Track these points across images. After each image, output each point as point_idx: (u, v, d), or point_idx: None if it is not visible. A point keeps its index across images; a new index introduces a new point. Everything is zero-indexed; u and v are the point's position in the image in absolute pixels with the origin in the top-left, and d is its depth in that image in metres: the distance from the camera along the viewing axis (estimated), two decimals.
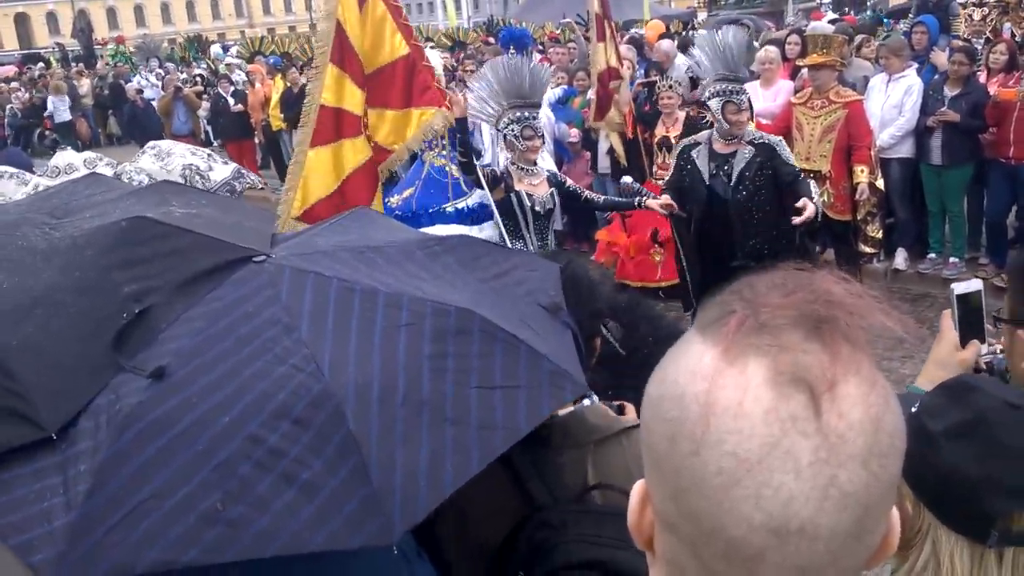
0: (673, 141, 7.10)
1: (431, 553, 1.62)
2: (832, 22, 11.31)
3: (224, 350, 1.34)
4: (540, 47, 12.80)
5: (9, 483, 1.28)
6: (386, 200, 8.90)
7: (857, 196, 6.09)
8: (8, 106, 19.32)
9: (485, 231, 8.40)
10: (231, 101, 12.91)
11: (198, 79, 16.32)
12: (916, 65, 7.10)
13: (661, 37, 10.94)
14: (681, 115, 7.19)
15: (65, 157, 4.06)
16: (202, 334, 1.37)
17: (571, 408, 1.76)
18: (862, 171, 6.11)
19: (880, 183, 6.44)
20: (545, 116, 7.96)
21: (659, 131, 7.35)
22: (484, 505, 1.65)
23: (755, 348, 0.62)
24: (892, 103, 6.90)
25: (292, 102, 11.60)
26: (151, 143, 2.54)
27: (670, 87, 7.23)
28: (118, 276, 1.51)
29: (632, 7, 20.32)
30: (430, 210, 8.49)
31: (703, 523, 0.62)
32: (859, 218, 6.39)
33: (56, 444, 1.30)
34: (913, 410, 1.07)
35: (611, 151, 7.96)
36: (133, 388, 1.32)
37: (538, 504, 1.59)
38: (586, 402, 1.79)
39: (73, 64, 23.94)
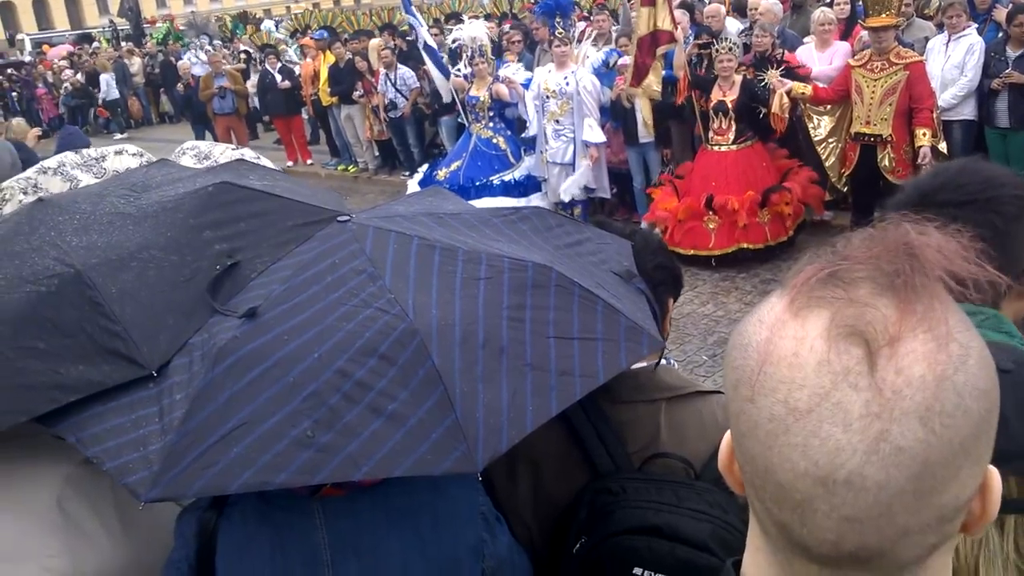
0: (729, 105, 7.04)
1: (505, 517, 1.66)
2: None
3: (312, 295, 1.39)
4: (586, 14, 12.66)
5: (104, 415, 1.35)
6: (434, 173, 9.01)
7: (919, 160, 5.98)
8: (63, 85, 19.71)
9: (533, 202, 8.45)
10: (278, 77, 13.02)
11: (242, 56, 16.47)
12: (977, 24, 6.90)
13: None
14: (738, 79, 7.07)
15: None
16: (290, 281, 1.42)
17: (644, 364, 1.78)
18: (924, 134, 6.01)
19: (943, 146, 6.29)
20: (591, 82, 7.89)
21: (715, 95, 7.23)
22: (557, 463, 1.69)
23: (820, 300, 0.63)
24: (953, 63, 6.75)
25: (340, 77, 11.69)
26: (190, 143, 2.58)
27: (729, 49, 7.09)
28: (209, 235, 1.59)
29: None
30: (477, 183, 8.55)
31: (758, 467, 0.65)
32: None
33: (154, 380, 1.38)
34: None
35: None
36: (226, 326, 1.38)
37: (600, 469, 1.62)
38: (663, 362, 1.81)
39: (124, 43, 24.30)
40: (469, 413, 1.27)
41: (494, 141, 8.84)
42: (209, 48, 16.64)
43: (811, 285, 0.64)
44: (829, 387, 0.60)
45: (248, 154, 2.51)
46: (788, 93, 6.75)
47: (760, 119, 7.12)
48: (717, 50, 7.16)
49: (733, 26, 9.38)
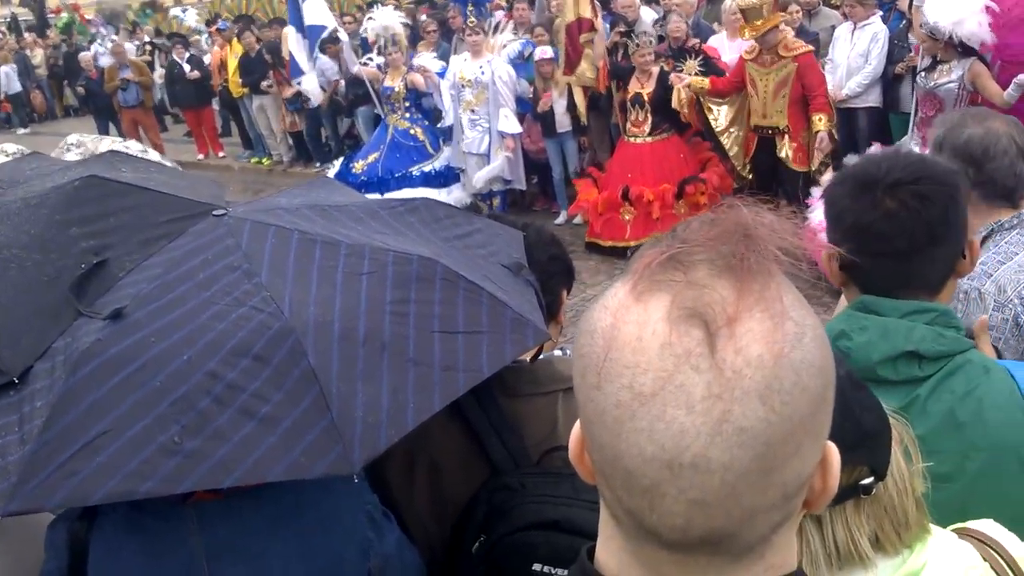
0: (646, 97, 7.11)
1: (401, 517, 1.63)
2: None
3: (182, 293, 1.33)
4: (506, 3, 12.63)
5: None
6: (350, 166, 8.90)
7: (816, 144, 6.13)
8: None
9: (453, 193, 8.46)
10: (187, 68, 12.65)
11: (147, 47, 15.95)
12: (881, 13, 7.09)
13: None
14: (656, 71, 7.13)
15: None
16: (160, 279, 1.37)
17: (540, 356, 1.77)
18: (820, 119, 6.19)
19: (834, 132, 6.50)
20: (506, 71, 7.88)
21: (633, 87, 7.28)
22: (456, 461, 1.67)
23: (661, 284, 0.63)
24: (858, 51, 6.92)
25: (251, 67, 11.41)
26: (74, 137, 2.45)
27: (650, 42, 7.16)
28: (75, 232, 1.51)
29: None
30: (396, 174, 8.48)
31: (606, 454, 0.64)
32: (814, 168, 6.42)
33: (15, 387, 1.31)
34: None
35: (571, 108, 7.85)
36: (90, 329, 1.31)
37: (498, 465, 1.61)
38: (557, 352, 1.80)
39: (26, 34, 23.29)
40: (346, 413, 1.23)
41: (411, 132, 8.77)
42: (115, 38, 16.07)
43: (652, 269, 0.64)
44: (672, 370, 0.60)
45: (134, 147, 2.40)
46: (688, 87, 6.85)
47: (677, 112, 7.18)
48: (637, 43, 7.19)
49: (648, 15, 9.48)
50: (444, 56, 9.35)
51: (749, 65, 6.61)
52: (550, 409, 1.70)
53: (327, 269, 1.40)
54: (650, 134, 7.28)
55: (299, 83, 9.82)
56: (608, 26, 8.89)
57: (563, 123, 7.95)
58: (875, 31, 6.87)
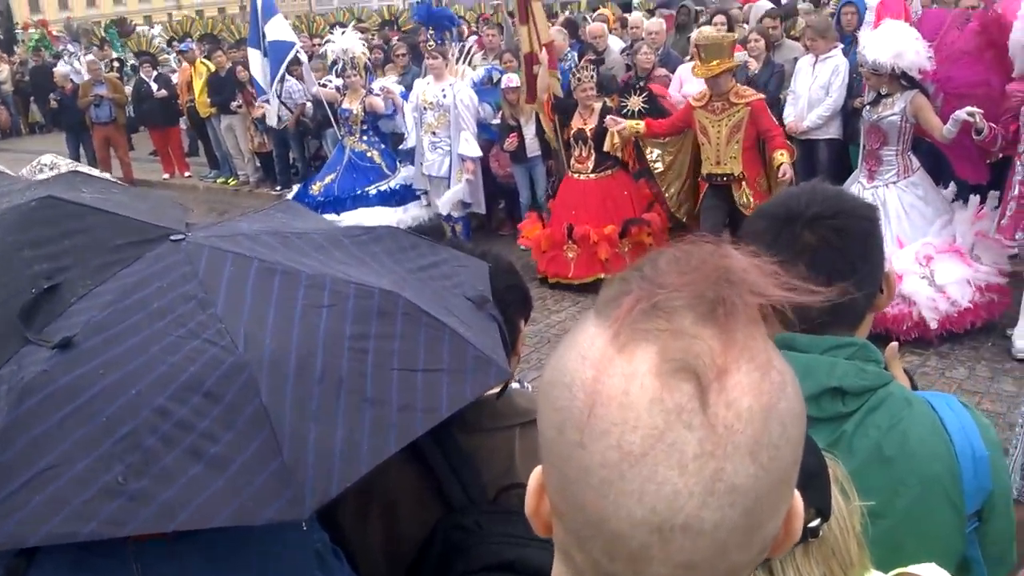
0: (588, 133, 6.96)
1: (353, 557, 1.60)
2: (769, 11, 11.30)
3: (135, 323, 1.29)
4: (474, 29, 12.73)
5: None
6: (308, 189, 8.88)
7: (780, 176, 6.02)
8: None
9: (411, 211, 8.45)
10: (154, 86, 12.55)
11: (114, 64, 15.82)
12: (842, 46, 7.23)
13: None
14: (598, 106, 6.99)
15: None
16: (112, 307, 1.32)
17: (494, 391, 1.76)
18: (782, 155, 6.10)
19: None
20: (468, 95, 7.91)
21: (575, 123, 7.10)
22: (411, 500, 1.65)
23: (645, 333, 0.59)
24: (819, 84, 7.06)
25: (220, 86, 11.35)
26: (48, 158, 2.41)
27: (591, 76, 6.96)
28: (27, 254, 1.46)
29: None
30: (353, 194, 8.48)
31: (588, 516, 0.60)
32: None
33: None
34: None
35: (540, 133, 7.87)
36: (37, 358, 1.27)
37: (453, 504, 1.59)
38: (515, 384, 1.79)
39: None
40: (298, 455, 1.20)
41: (368, 154, 8.79)
42: (89, 56, 15.90)
43: (633, 317, 0.60)
44: (663, 427, 0.57)
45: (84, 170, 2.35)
46: (621, 132, 6.68)
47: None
48: (578, 77, 7.03)
49: (616, 45, 9.60)
50: (415, 79, 9.39)
51: (699, 112, 6.43)
52: (508, 444, 1.68)
53: (286, 301, 1.37)
54: (594, 171, 7.12)
55: (266, 101, 9.79)
56: (576, 55, 9.00)
57: (532, 148, 7.98)
58: (836, 64, 7.01)
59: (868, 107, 5.95)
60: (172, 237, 1.48)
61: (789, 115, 7.24)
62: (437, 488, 1.62)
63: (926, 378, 5.20)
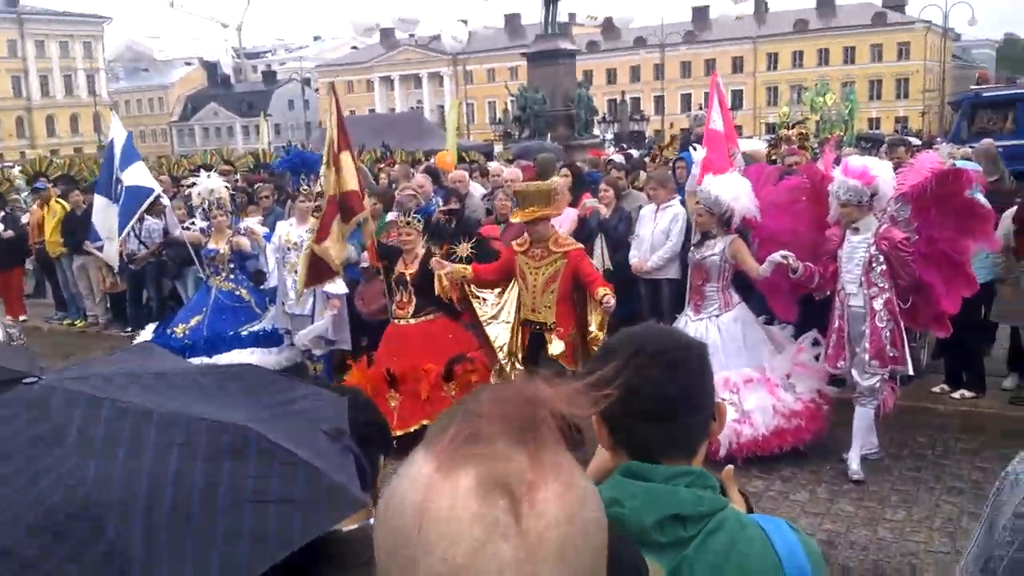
0: (408, 279, 6.85)
1: None
2: (611, 162, 12.04)
3: None
4: None
5: None
6: (169, 331, 8.64)
7: (603, 304, 5.99)
8: None
9: (284, 352, 8.33)
10: (0, 227, 12.09)
11: None
12: (680, 197, 7.88)
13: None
14: (421, 252, 6.92)
15: None
16: None
17: (356, 525, 1.79)
18: (604, 291, 6.07)
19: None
20: None
21: (398, 267, 6.98)
22: None
23: (466, 458, 0.68)
24: (660, 229, 7.65)
25: (75, 225, 11.06)
26: None
27: (408, 223, 6.91)
28: None
29: (432, 137, 21.11)
30: (225, 335, 8.29)
31: None
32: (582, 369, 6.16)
33: None
34: None
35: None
36: None
37: None
38: (373, 521, 1.81)
39: None
40: None
41: (237, 293, 8.68)
42: None
43: (455, 445, 0.70)
44: (484, 539, 0.65)
45: None
46: (448, 275, 6.54)
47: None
48: (399, 223, 6.98)
49: (478, 191, 10.07)
50: (277, 219, 9.46)
51: (520, 258, 6.41)
52: None
53: (137, 440, 1.39)
54: (414, 315, 6.94)
55: (100, 247, 9.61)
56: (440, 200, 9.35)
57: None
58: (675, 212, 7.66)
59: (693, 248, 6.55)
60: (25, 380, 1.50)
61: (634, 256, 7.80)
62: None
63: (772, 501, 5.47)
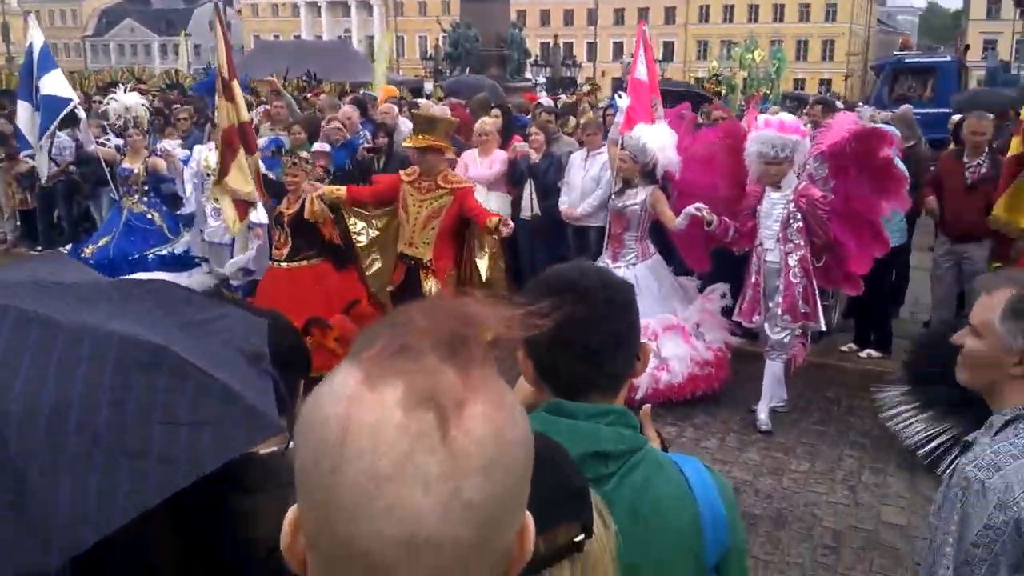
0: (285, 219, 6.52)
1: None
2: (539, 105, 11.89)
3: None
4: (263, 99, 12.60)
5: None
6: (79, 251, 8.32)
7: (503, 228, 5.82)
8: None
9: (195, 276, 8.09)
10: None
11: None
12: None
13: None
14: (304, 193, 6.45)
15: None
16: None
17: (275, 448, 1.75)
18: (497, 219, 5.88)
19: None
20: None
21: (282, 206, 6.61)
22: (183, 561, 1.59)
23: (394, 371, 0.67)
24: (591, 176, 7.61)
25: None
26: None
27: (294, 164, 6.54)
28: None
29: (360, 69, 20.61)
30: (131, 257, 8.03)
31: (339, 540, 0.65)
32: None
33: None
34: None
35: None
36: None
37: (225, 563, 1.56)
38: (292, 444, 1.78)
39: None
40: (45, 510, 1.15)
41: (148, 216, 8.39)
42: None
43: (383, 358, 0.67)
44: (409, 451, 0.63)
45: None
46: (321, 197, 6.22)
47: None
48: (293, 161, 6.59)
49: (407, 126, 9.86)
50: (196, 143, 9.12)
51: (405, 187, 6.15)
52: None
53: (41, 352, 1.31)
54: (288, 259, 6.53)
55: (31, 156, 9.12)
56: (369, 133, 9.14)
57: None
58: (606, 160, 7.56)
59: (614, 196, 6.61)
60: None
61: (564, 203, 7.76)
62: (208, 549, 1.58)
63: (684, 448, 5.60)
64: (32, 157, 9.12)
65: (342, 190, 6.30)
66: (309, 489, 0.68)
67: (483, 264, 6.11)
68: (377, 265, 6.44)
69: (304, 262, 6.54)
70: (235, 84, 6.69)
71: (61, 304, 1.46)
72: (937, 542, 1.92)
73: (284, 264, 6.57)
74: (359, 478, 0.64)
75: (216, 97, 6.82)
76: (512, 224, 5.93)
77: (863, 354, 7.33)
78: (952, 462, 5.03)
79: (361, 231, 6.44)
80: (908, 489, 5.20)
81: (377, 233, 6.44)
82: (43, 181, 9.60)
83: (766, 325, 5.99)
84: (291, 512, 0.73)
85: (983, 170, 6.67)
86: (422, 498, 0.63)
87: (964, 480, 1.81)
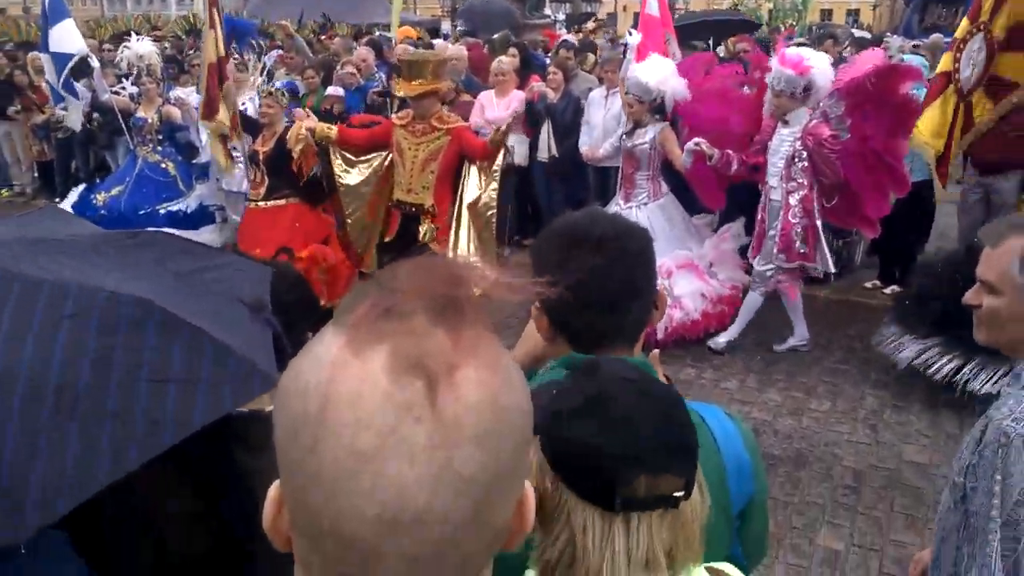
0: (261, 157, 6.40)
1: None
2: (564, 43, 11.73)
3: None
4: (278, 43, 12.45)
5: None
6: (91, 197, 8.31)
7: (501, 139, 5.73)
8: None
9: (203, 235, 8.02)
10: None
11: None
12: None
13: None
14: (281, 129, 6.34)
15: None
16: None
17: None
18: (495, 136, 5.75)
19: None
20: None
21: (257, 144, 6.50)
22: (185, 522, 1.59)
23: (380, 335, 0.61)
24: (612, 115, 7.40)
25: None
26: None
27: (270, 94, 6.43)
28: None
29: (376, 10, 20.27)
30: (140, 211, 8.00)
31: (322, 518, 0.60)
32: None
33: None
34: (554, 392, 1.14)
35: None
36: None
37: (232, 523, 1.55)
38: None
39: None
40: (21, 475, 1.13)
41: (162, 166, 8.35)
42: None
43: (368, 321, 0.62)
44: (394, 423, 0.58)
45: None
46: (311, 131, 6.03)
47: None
48: (261, 93, 6.43)
49: None
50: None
51: (399, 131, 5.94)
52: None
53: (23, 310, 1.29)
54: (264, 198, 6.46)
55: (64, 109, 9.10)
56: (384, 76, 9.00)
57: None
58: None
59: (624, 136, 6.51)
60: None
61: (584, 143, 7.58)
62: (213, 509, 1.57)
63: (703, 389, 5.57)
64: (65, 109, 9.11)
65: (333, 129, 6.13)
66: (288, 466, 0.63)
67: (483, 183, 5.87)
68: (359, 211, 6.30)
69: (282, 200, 6.46)
70: (213, 12, 6.56)
71: (46, 260, 1.44)
72: (975, 504, 1.76)
73: (261, 203, 6.50)
74: (340, 454, 0.59)
75: (204, 27, 6.66)
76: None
77: (887, 291, 7.22)
78: (949, 381, 5.02)
79: (342, 173, 6.26)
80: (931, 427, 5.16)
81: (363, 176, 6.23)
82: (76, 129, 9.57)
83: (758, 256, 5.96)
84: (273, 488, 0.68)
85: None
86: (408, 471, 0.58)
87: (1004, 436, 1.68)
